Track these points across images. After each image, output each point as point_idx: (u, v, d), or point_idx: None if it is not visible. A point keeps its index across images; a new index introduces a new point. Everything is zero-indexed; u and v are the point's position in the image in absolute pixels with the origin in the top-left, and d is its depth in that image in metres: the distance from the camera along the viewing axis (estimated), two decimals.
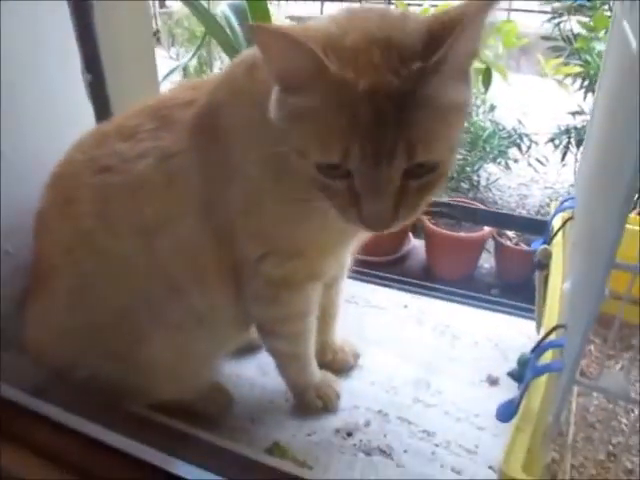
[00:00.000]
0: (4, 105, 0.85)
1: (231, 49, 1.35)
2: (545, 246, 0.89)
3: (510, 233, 2.44)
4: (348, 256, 0.89)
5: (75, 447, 0.75)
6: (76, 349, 0.77)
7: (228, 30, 1.38)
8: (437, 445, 0.84)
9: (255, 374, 0.97)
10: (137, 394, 0.78)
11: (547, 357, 0.64)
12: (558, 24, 2.77)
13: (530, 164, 3.01)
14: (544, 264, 0.89)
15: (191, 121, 0.72)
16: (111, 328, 0.75)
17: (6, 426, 0.76)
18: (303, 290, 0.78)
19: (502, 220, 1.59)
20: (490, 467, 0.80)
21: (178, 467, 0.73)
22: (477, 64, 1.97)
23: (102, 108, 1.06)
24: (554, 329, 0.66)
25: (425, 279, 2.37)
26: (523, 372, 0.67)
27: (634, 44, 0.55)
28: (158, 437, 0.77)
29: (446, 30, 0.52)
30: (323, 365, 0.95)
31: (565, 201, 0.93)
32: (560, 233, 0.88)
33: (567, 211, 0.90)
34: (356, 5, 0.64)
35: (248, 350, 0.99)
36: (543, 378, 0.62)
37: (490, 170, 3.11)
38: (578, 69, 2.42)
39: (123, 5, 1.08)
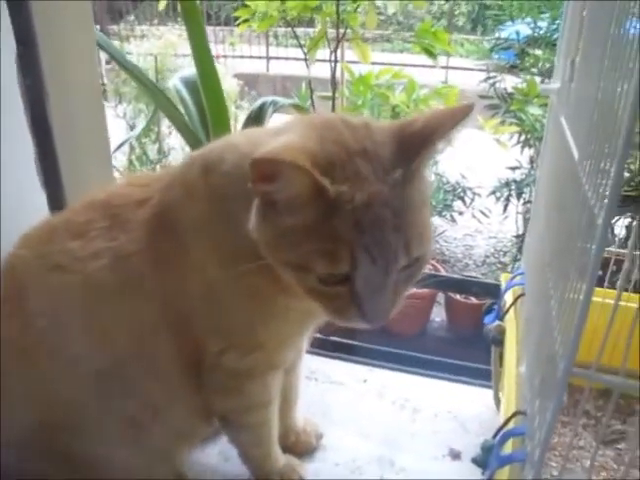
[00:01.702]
0: None
1: (183, 125, 1.36)
2: (499, 322, 0.93)
3: None
4: (305, 341, 0.90)
5: None
6: (25, 447, 0.74)
7: (180, 105, 1.39)
8: None
9: (217, 461, 0.95)
10: None
11: (509, 444, 0.66)
12: (493, 84, 2.93)
13: (474, 216, 3.11)
14: (499, 340, 0.92)
15: (146, 220, 0.73)
16: (62, 427, 0.73)
17: None
18: (264, 380, 0.78)
19: (455, 284, 1.64)
20: None
21: None
22: None
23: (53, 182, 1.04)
24: (513, 416, 0.68)
25: (380, 336, 2.42)
26: (487, 458, 0.68)
27: (575, 155, 0.59)
28: None
29: (419, 139, 0.57)
30: (286, 448, 0.94)
31: (515, 276, 0.97)
32: (512, 309, 0.92)
33: (517, 287, 0.94)
34: (305, 117, 0.66)
35: (209, 436, 0.97)
36: (506, 467, 0.64)
37: (436, 223, 3.20)
38: (514, 128, 2.55)
39: (75, 85, 1.08)
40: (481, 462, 0.69)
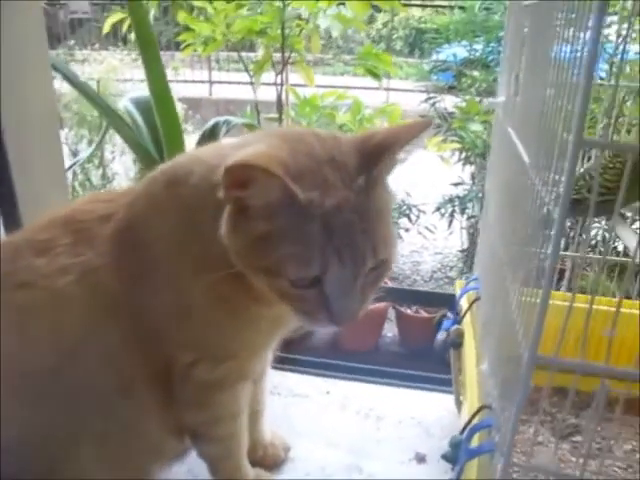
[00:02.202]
0: None
1: (136, 145, 1.36)
2: (457, 326, 0.96)
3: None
4: (270, 351, 0.91)
5: None
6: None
7: (132, 125, 1.39)
8: None
9: (186, 477, 0.94)
10: None
11: (476, 437, 0.68)
12: (434, 104, 3.04)
13: (420, 232, 3.19)
14: (458, 343, 0.95)
15: (111, 235, 0.73)
16: (32, 447, 0.71)
17: None
18: (234, 391, 0.79)
19: (405, 295, 1.67)
20: None
21: None
22: None
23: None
24: (479, 411, 0.71)
25: (332, 353, 2.43)
26: (456, 454, 0.71)
27: (526, 160, 0.64)
28: None
29: (381, 148, 0.62)
30: (254, 462, 0.94)
31: (470, 281, 1.01)
32: (469, 313, 0.96)
33: (472, 292, 0.98)
34: (278, 129, 0.69)
35: (178, 453, 0.96)
36: (475, 460, 0.67)
37: None
38: (456, 145, 2.65)
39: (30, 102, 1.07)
40: (450, 458, 0.72)
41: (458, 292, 1.04)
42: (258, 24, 2.26)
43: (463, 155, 2.85)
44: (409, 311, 2.47)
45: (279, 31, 2.22)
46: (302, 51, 2.25)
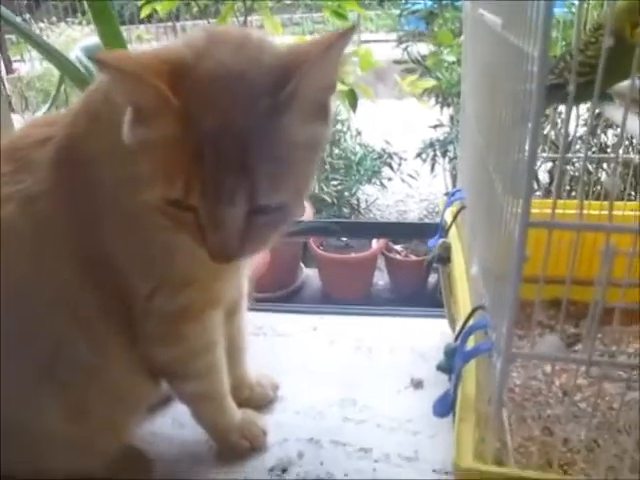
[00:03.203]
0: None
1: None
2: (443, 239, 0.90)
3: (398, 247, 2.51)
4: (245, 279, 0.84)
5: None
6: None
7: (84, 71, 1.31)
8: (376, 461, 0.80)
9: (171, 428, 0.89)
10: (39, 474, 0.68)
11: (471, 341, 0.63)
12: (406, 48, 2.95)
13: (403, 180, 3.13)
14: (445, 257, 0.90)
15: (51, 157, 0.66)
16: None
17: None
18: (202, 321, 0.72)
19: (390, 230, 1.61)
20: (434, 470, 0.77)
21: None
22: (341, 87, 2.02)
23: None
24: (473, 312, 0.66)
25: (324, 302, 2.39)
26: (452, 362, 0.65)
27: (499, 22, 0.57)
28: None
29: (296, 65, 0.51)
30: (242, 403, 0.88)
31: (452, 195, 0.95)
32: (454, 225, 0.90)
33: (456, 203, 0.92)
34: (216, 27, 0.61)
35: (160, 403, 0.90)
36: (472, 364, 0.61)
37: (367, 191, 3.20)
38: (432, 83, 2.56)
39: None
40: (445, 367, 0.66)
41: (441, 207, 0.98)
42: None
43: (440, 98, 2.78)
44: (398, 256, 2.42)
45: None
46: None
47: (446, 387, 0.64)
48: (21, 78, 3.41)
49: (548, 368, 0.84)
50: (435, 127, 2.87)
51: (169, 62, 0.51)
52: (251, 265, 0.81)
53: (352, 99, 2.05)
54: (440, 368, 0.68)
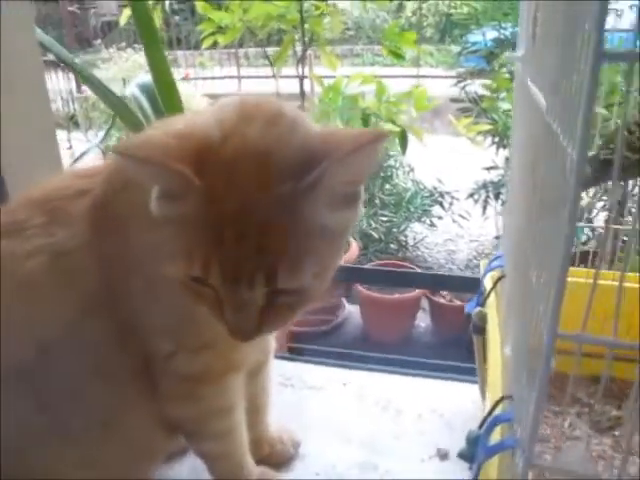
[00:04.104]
0: None
1: (139, 129, 1.31)
2: (480, 309, 0.87)
3: (443, 292, 2.46)
4: (271, 340, 0.83)
5: None
6: None
7: (139, 111, 1.35)
8: None
9: (187, 476, 0.88)
10: None
11: (497, 432, 0.59)
12: (464, 87, 2.92)
13: (454, 220, 3.09)
14: (481, 327, 0.86)
15: (87, 213, 0.66)
16: (14, 450, 0.65)
17: None
18: (222, 383, 0.71)
19: (435, 281, 1.58)
20: None
21: None
22: (393, 127, 2.02)
23: None
24: (499, 401, 0.62)
25: (363, 345, 2.36)
26: (474, 451, 0.62)
27: (544, 104, 0.54)
28: None
29: (325, 154, 0.48)
30: (261, 460, 0.86)
31: (494, 260, 0.92)
32: (493, 293, 0.86)
33: (497, 270, 0.88)
34: (251, 98, 0.59)
35: (178, 452, 0.89)
36: (499, 459, 0.57)
37: (416, 229, 3.17)
38: (487, 127, 2.52)
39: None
40: (467, 455, 0.63)
41: (482, 271, 0.94)
42: (276, 8, 2.20)
43: (496, 139, 2.73)
44: (442, 300, 2.37)
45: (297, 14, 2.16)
46: (322, 33, 2.18)
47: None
48: (87, 98, 3.54)
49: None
50: (489, 169, 2.82)
51: (195, 141, 0.51)
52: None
53: (403, 141, 2.03)
54: (462, 456, 0.65)
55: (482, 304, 0.88)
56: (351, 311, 2.63)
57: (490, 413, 0.62)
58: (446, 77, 3.82)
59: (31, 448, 0.66)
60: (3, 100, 0.99)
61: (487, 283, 0.89)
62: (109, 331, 0.66)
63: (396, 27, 2.26)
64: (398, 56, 2.22)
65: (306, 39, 2.22)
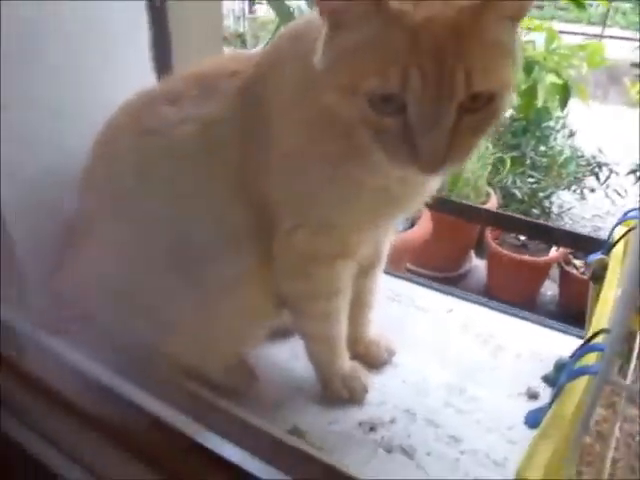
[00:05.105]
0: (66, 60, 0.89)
1: None
2: (602, 256, 0.84)
3: (578, 262, 2.33)
4: (385, 242, 0.86)
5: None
6: (109, 300, 0.78)
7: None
8: (462, 452, 0.79)
9: (286, 358, 0.95)
10: (165, 354, 0.79)
11: (586, 359, 0.59)
12: None
13: (607, 195, 2.86)
14: (599, 276, 0.83)
15: (236, 90, 0.73)
16: (143, 285, 0.75)
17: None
18: (333, 267, 0.76)
19: (575, 240, 1.49)
20: None
21: (201, 435, 0.74)
22: (554, 79, 1.90)
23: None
24: (598, 333, 0.61)
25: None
26: (559, 376, 0.62)
27: None
28: (185, 402, 0.78)
29: None
30: (356, 357, 0.92)
31: (629, 212, 0.87)
32: (621, 245, 0.82)
33: (630, 220, 0.84)
34: None
35: (282, 334, 0.97)
36: (581, 384, 0.57)
37: (564, 197, 2.99)
38: None
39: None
40: (551, 379, 0.63)
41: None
42: None
43: None
44: (575, 271, 2.25)
45: None
46: None
47: None
48: (256, 19, 3.66)
49: None
50: None
51: None
52: (394, 229, 0.83)
53: (563, 95, 1.91)
54: (546, 380, 0.65)
55: (607, 252, 0.84)
56: (477, 265, 2.59)
57: (586, 343, 0.62)
58: (634, 39, 3.46)
59: (163, 305, 0.76)
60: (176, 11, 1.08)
61: (616, 234, 0.85)
62: (240, 201, 0.73)
63: None
64: (581, 6, 2.05)
65: None
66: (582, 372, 0.56)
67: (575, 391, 0.57)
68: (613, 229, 0.87)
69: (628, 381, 0.85)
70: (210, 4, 1.12)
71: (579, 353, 0.60)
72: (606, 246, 0.86)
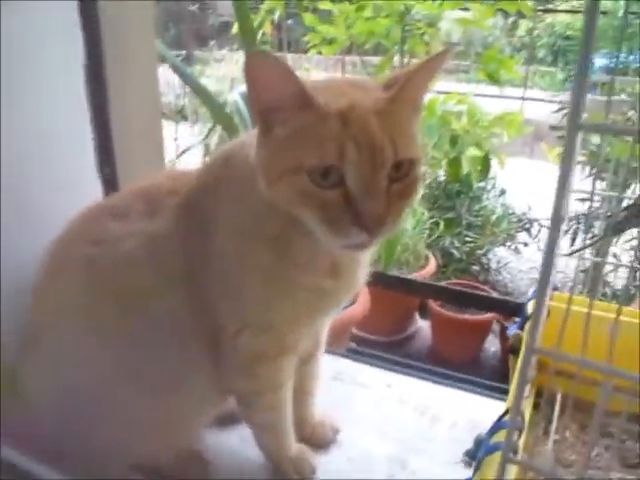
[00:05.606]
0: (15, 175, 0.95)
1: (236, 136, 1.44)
2: (518, 331, 0.93)
3: (517, 318, 2.44)
4: (322, 333, 0.94)
5: None
6: (65, 408, 0.82)
7: (237, 117, 1.48)
8: None
9: (236, 444, 0.99)
10: (119, 454, 0.83)
11: (500, 436, 0.66)
12: (565, 115, 2.87)
13: (540, 248, 3.03)
14: (517, 349, 0.92)
15: (175, 208, 0.80)
16: (93, 391, 0.79)
17: None
18: (276, 364, 0.82)
19: (509, 307, 1.60)
20: None
21: None
22: (475, 152, 2.05)
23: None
24: (507, 412, 0.69)
25: (430, 361, 2.39)
26: (478, 450, 0.69)
27: None
28: None
29: (398, 79, 0.66)
30: (303, 439, 0.97)
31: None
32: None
33: None
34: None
35: (230, 420, 1.02)
36: (497, 458, 0.64)
37: (500, 254, 3.14)
38: (582, 158, 2.48)
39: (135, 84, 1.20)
40: (473, 455, 0.70)
41: (529, 297, 1.00)
42: (379, 27, 2.30)
43: (593, 170, 2.66)
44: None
45: (399, 34, 2.24)
46: (421, 54, 2.24)
47: None
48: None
49: None
50: (582, 200, 2.76)
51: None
52: (330, 318, 0.90)
53: (483, 166, 2.06)
54: (467, 454, 0.72)
55: (522, 328, 0.93)
56: (422, 326, 2.68)
57: (499, 420, 0.69)
58: (552, 102, 3.75)
59: (108, 394, 0.80)
60: (116, 90, 1.15)
61: (529, 309, 0.95)
62: (186, 306, 0.79)
63: (496, 52, 2.29)
64: (495, 80, 2.25)
65: (405, 59, 2.30)
66: (495, 449, 0.64)
67: (492, 465, 0.64)
68: (526, 305, 0.96)
69: (551, 440, 0.93)
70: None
71: (493, 429, 0.67)
72: (521, 321, 0.95)
